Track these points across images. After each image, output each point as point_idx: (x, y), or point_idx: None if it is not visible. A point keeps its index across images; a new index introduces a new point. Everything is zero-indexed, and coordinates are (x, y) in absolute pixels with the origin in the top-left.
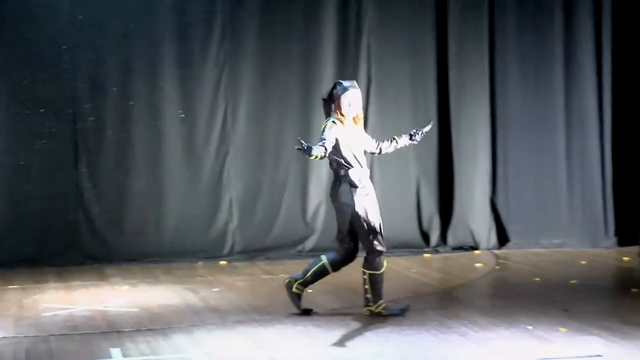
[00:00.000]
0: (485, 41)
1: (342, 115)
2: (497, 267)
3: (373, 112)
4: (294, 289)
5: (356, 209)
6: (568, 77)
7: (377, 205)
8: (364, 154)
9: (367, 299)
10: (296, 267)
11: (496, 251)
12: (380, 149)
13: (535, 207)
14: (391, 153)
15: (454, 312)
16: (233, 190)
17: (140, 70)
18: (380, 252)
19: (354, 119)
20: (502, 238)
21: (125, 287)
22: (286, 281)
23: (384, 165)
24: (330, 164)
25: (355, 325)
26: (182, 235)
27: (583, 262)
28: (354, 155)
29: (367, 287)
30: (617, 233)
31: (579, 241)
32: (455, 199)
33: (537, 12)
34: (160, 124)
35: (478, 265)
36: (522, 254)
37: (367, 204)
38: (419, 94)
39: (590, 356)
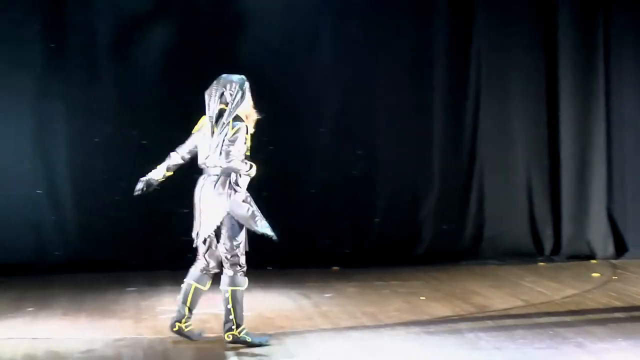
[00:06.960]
0: (600, 37)
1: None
2: (614, 277)
3: (483, 115)
4: None
5: None
6: None
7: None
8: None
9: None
10: (409, 275)
11: (613, 261)
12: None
13: None
14: (501, 157)
15: (569, 322)
16: None
17: None
18: None
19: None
20: (620, 247)
21: None
22: None
23: (491, 172)
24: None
25: (468, 334)
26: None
27: None
28: None
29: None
30: None
31: None
32: (568, 206)
33: None
34: None
35: (594, 275)
36: None
37: None
38: (529, 96)
39: None
